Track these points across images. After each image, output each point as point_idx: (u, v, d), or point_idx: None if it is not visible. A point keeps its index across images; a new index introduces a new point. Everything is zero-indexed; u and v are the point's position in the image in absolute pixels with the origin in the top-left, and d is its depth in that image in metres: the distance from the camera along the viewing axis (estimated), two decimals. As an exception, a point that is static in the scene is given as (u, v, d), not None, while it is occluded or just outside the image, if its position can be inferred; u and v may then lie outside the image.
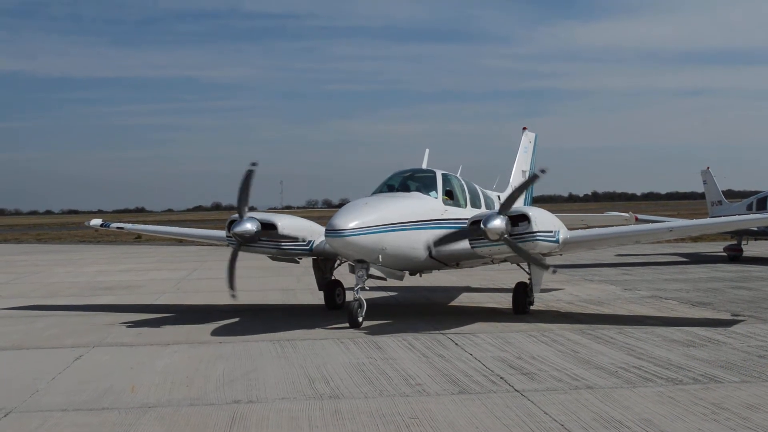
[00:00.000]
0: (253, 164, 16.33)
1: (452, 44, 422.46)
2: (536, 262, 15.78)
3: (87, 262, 38.58)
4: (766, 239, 32.39)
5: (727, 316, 16.35)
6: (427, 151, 19.65)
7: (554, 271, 16.03)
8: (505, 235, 15.05)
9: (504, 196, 21.72)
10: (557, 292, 21.26)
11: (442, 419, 8.99)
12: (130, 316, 18.10)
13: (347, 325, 15.62)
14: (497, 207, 19.20)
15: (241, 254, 16.69)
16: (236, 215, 16.75)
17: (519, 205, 21.62)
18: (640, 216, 25.31)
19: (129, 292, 24.09)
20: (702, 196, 38.26)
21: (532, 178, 18.49)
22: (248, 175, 16.34)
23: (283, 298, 21.54)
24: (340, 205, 16.66)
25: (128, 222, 27.14)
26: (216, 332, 15.54)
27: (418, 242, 16.16)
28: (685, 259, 32.26)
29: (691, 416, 8.85)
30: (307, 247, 17.36)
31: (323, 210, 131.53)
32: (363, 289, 15.62)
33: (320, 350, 13.39)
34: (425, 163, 19.16)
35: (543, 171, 16.30)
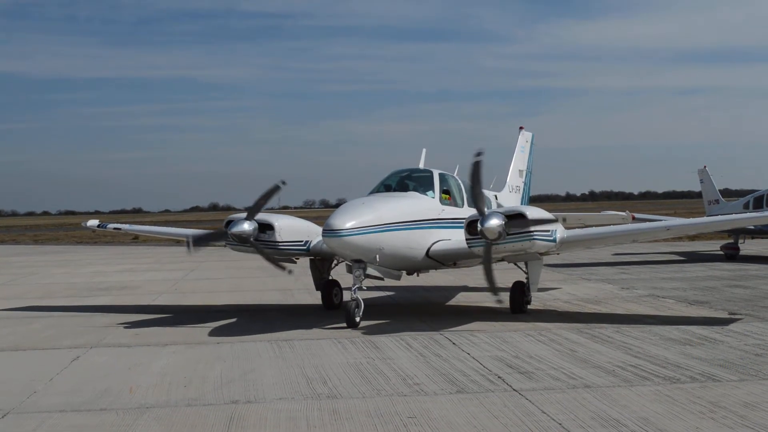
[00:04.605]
0: (283, 182, 16.47)
1: (449, 43, 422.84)
2: (490, 282, 15.00)
3: (84, 263, 38.54)
4: (762, 238, 32.46)
5: (724, 315, 16.37)
6: (424, 150, 19.69)
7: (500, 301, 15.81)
8: (489, 241, 14.90)
9: (501, 196, 21.78)
10: (555, 291, 21.28)
11: (440, 419, 8.99)
12: (127, 317, 18.09)
13: (345, 325, 15.63)
14: (494, 206, 19.25)
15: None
16: (233, 216, 16.84)
17: (516, 204, 21.72)
18: (637, 215, 25.34)
19: (126, 292, 24.07)
20: (699, 195, 38.35)
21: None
22: (273, 190, 16.44)
23: (281, 298, 21.53)
24: (338, 205, 16.65)
25: (125, 223, 27.13)
26: (214, 333, 15.54)
27: (415, 242, 16.17)
28: (682, 258, 32.29)
29: (689, 415, 8.87)
30: (305, 247, 17.37)
31: (320, 210, 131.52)
32: (360, 289, 15.61)
33: (318, 350, 13.40)
34: (422, 162, 19.18)
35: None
